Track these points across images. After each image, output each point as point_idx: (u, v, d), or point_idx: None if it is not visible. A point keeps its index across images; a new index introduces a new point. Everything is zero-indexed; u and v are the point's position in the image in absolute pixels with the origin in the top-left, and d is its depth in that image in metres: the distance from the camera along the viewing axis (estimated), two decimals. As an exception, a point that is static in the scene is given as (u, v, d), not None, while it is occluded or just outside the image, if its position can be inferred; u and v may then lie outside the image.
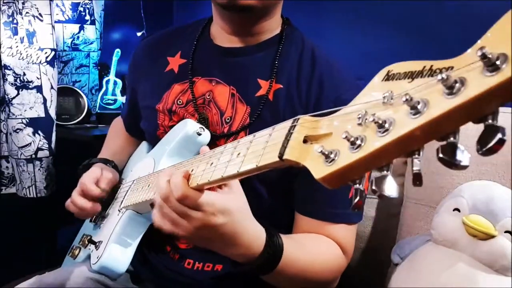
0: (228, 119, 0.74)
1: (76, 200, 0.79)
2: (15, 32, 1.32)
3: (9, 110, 1.33)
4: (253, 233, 0.56)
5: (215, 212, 0.51)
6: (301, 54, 0.76)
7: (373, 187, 0.31)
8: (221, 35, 0.79)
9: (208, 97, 0.77)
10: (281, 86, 0.73)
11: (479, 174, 0.85)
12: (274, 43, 0.77)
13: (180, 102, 0.78)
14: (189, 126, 0.71)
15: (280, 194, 0.74)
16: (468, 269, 0.69)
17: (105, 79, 1.72)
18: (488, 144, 0.25)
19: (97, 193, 0.78)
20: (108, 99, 1.71)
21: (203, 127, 0.71)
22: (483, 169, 0.85)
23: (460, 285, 0.68)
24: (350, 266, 0.75)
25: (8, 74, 1.31)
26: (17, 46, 1.32)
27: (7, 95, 1.32)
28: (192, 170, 0.51)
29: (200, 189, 0.50)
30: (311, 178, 0.69)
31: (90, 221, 0.87)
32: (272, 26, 0.77)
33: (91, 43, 1.70)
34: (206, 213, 0.50)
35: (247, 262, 0.58)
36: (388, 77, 0.32)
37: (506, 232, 0.68)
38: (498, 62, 0.24)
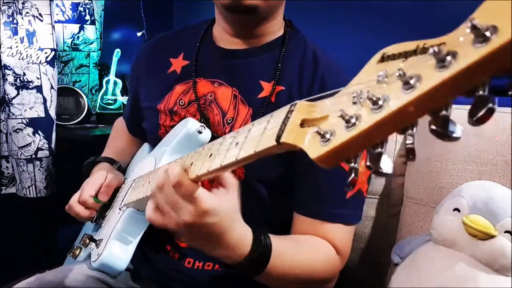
0: (229, 120, 0.75)
1: (74, 208, 0.80)
2: (15, 32, 1.32)
3: (9, 110, 1.33)
4: (239, 235, 0.56)
5: (205, 211, 0.50)
6: (303, 56, 0.76)
7: (368, 164, 0.31)
8: (224, 36, 0.79)
9: (209, 98, 0.77)
10: (283, 88, 0.74)
11: (479, 174, 0.85)
12: (277, 45, 0.77)
13: (182, 102, 0.79)
14: (190, 124, 0.71)
15: (280, 194, 0.74)
16: (468, 269, 0.69)
17: (105, 79, 1.72)
18: (478, 113, 0.26)
19: (94, 205, 0.79)
20: (108, 99, 1.71)
21: (204, 125, 0.71)
22: (483, 169, 0.85)
23: (460, 285, 0.68)
24: (350, 266, 0.75)
25: (8, 74, 1.31)
26: (17, 46, 1.32)
27: (7, 95, 1.32)
28: (191, 164, 0.51)
29: (198, 181, 0.50)
30: (310, 177, 0.70)
31: (92, 221, 0.87)
32: (275, 28, 0.77)
33: (91, 43, 1.70)
34: (197, 210, 0.50)
35: (234, 263, 0.57)
36: (383, 59, 0.32)
37: (506, 232, 0.68)
38: (487, 33, 0.25)
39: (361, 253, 1.03)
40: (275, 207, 0.74)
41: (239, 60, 0.77)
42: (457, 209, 0.74)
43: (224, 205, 0.52)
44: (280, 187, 0.74)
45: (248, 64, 0.77)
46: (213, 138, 0.72)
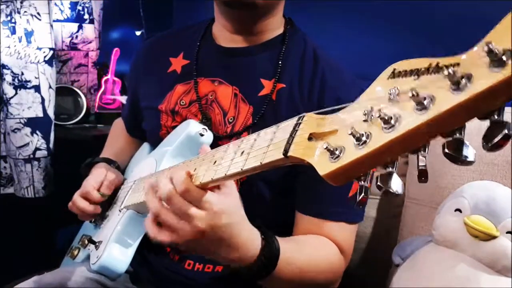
0: (231, 119, 0.74)
1: (78, 202, 0.78)
2: (13, 31, 1.31)
3: (7, 110, 1.32)
4: (249, 235, 0.55)
5: (218, 212, 0.49)
6: (303, 54, 0.76)
7: (378, 183, 0.31)
8: (224, 34, 0.79)
9: (210, 98, 0.77)
10: (284, 86, 0.73)
11: (480, 174, 0.85)
12: (277, 43, 0.77)
13: (183, 102, 0.78)
14: (192, 126, 0.70)
15: (283, 193, 0.74)
16: (470, 270, 0.69)
17: (104, 78, 1.71)
18: (494, 140, 0.25)
19: (98, 198, 0.78)
20: (107, 99, 1.70)
21: (206, 127, 0.71)
22: (485, 169, 0.85)
23: (461, 285, 0.68)
24: (350, 267, 0.74)
25: (6, 74, 1.30)
26: (15, 46, 1.31)
27: (5, 94, 1.31)
28: (195, 169, 0.51)
29: (203, 188, 0.49)
30: (312, 177, 0.69)
31: (90, 221, 0.86)
32: (275, 25, 0.77)
33: (90, 42, 1.69)
34: (210, 213, 0.49)
35: (243, 266, 0.56)
36: (394, 75, 0.32)
37: (507, 232, 0.68)
38: (504, 58, 0.24)
39: (362, 253, 1.03)
40: (277, 207, 0.74)
41: (239, 58, 0.77)
42: (458, 210, 0.73)
43: (231, 205, 0.52)
44: (283, 187, 0.73)
45: (248, 62, 0.76)
46: (215, 137, 0.72)
